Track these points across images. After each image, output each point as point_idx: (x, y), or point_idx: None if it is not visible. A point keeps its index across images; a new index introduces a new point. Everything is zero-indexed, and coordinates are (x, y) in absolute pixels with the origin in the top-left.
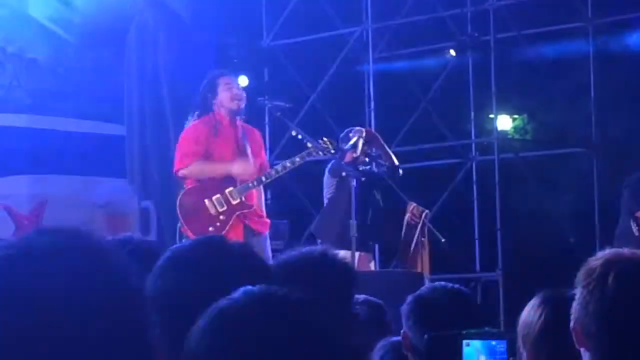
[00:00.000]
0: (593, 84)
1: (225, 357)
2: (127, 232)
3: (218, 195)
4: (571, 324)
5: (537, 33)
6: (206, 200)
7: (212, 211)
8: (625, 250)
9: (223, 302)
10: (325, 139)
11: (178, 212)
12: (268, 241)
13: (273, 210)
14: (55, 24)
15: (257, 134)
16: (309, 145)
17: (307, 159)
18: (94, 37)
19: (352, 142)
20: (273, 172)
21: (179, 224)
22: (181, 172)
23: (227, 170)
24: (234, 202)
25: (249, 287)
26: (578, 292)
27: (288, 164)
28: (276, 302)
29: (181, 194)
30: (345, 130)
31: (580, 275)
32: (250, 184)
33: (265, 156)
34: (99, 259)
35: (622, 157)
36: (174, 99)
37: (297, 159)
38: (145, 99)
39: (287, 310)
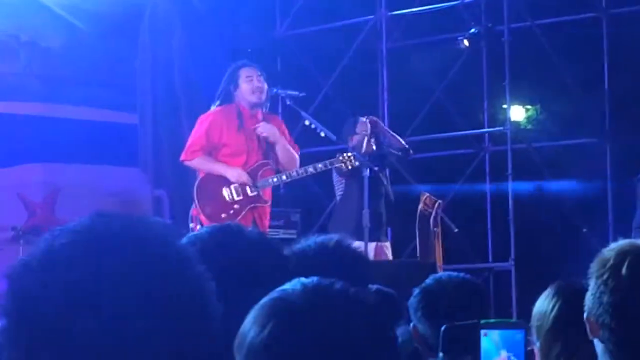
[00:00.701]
0: (607, 75)
1: (281, 348)
2: None
3: (236, 184)
4: (584, 314)
5: (551, 23)
6: (224, 188)
7: (228, 199)
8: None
9: (278, 292)
10: (345, 154)
11: (195, 194)
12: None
13: (286, 200)
14: (68, 12)
15: (278, 122)
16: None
17: (329, 167)
18: (108, 25)
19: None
20: (295, 174)
21: (192, 207)
22: (185, 163)
23: (223, 173)
24: (250, 194)
25: (302, 278)
26: (592, 283)
27: (310, 169)
28: (333, 294)
29: (200, 177)
30: (350, 119)
31: (594, 265)
32: (271, 180)
33: (290, 140)
34: (162, 245)
35: (636, 147)
36: (187, 88)
37: (320, 166)
38: (158, 87)
39: (343, 302)
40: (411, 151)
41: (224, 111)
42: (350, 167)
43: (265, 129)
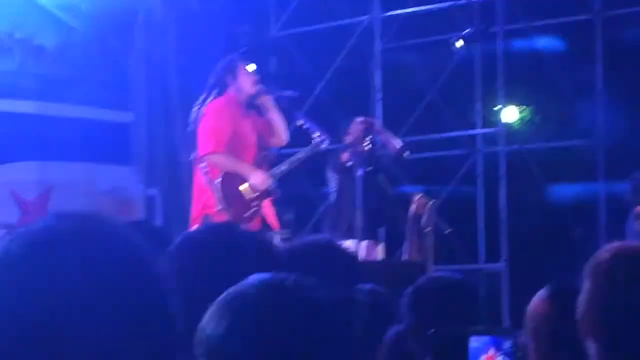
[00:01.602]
0: (600, 76)
1: (238, 342)
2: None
3: (251, 182)
4: (578, 315)
5: (545, 25)
6: (241, 187)
7: (247, 197)
8: (633, 244)
9: (235, 288)
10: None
11: (220, 196)
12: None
13: (279, 200)
14: (63, 11)
15: (257, 117)
16: (315, 137)
17: (312, 152)
18: (102, 24)
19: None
20: (295, 159)
21: (207, 209)
22: (208, 157)
23: (245, 175)
24: (262, 189)
25: (261, 274)
26: (586, 284)
27: (301, 156)
28: (287, 289)
29: (220, 180)
30: (351, 120)
31: (589, 267)
32: (278, 171)
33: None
34: (121, 243)
35: (628, 150)
36: (181, 87)
37: (302, 154)
38: (152, 86)
39: (298, 297)
40: (407, 152)
41: (227, 102)
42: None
43: (256, 181)
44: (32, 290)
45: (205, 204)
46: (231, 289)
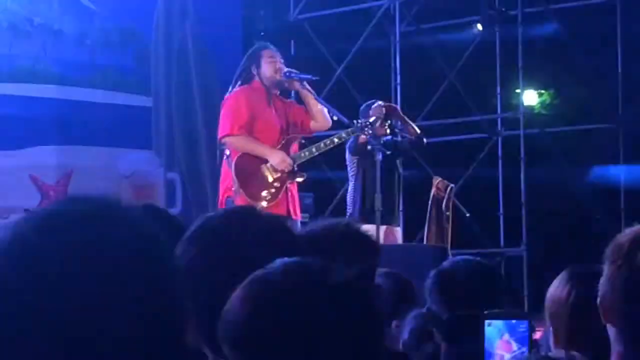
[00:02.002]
0: (620, 60)
1: (263, 327)
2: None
3: (270, 163)
4: (598, 300)
5: (565, 8)
6: (262, 166)
7: (269, 177)
8: None
9: (259, 273)
10: (363, 121)
11: (234, 175)
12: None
13: (299, 184)
14: None
15: (294, 103)
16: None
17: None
18: (121, 8)
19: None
20: (322, 145)
21: (228, 191)
22: (226, 139)
23: (265, 156)
24: (287, 171)
25: (286, 258)
26: (605, 268)
27: (335, 139)
28: (312, 273)
29: (235, 159)
30: (365, 104)
31: (608, 251)
32: (302, 154)
33: (305, 116)
34: (130, 227)
35: None
36: (201, 71)
37: (344, 135)
38: (172, 70)
39: (323, 281)
40: (425, 140)
41: (251, 88)
42: (367, 135)
43: (276, 160)
44: (42, 271)
45: (227, 187)
46: (256, 274)
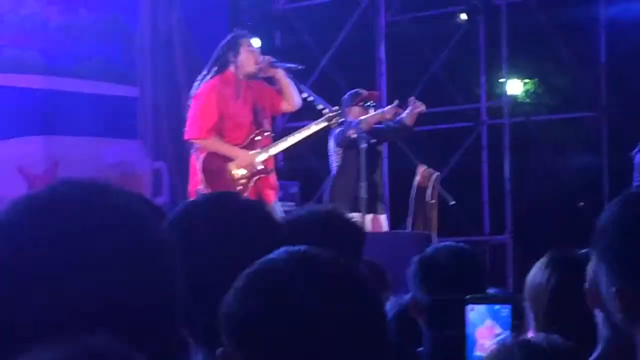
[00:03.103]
0: (603, 49)
1: (271, 319)
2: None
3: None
4: (586, 284)
5: None
6: (229, 164)
7: (235, 175)
8: None
9: (264, 262)
10: (330, 111)
11: (200, 174)
12: (279, 205)
13: (284, 172)
14: None
15: (263, 86)
16: (324, 111)
17: (319, 126)
18: None
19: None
20: (290, 140)
21: (199, 187)
22: (196, 141)
23: (233, 157)
24: (247, 169)
25: (289, 247)
26: (592, 254)
27: (304, 132)
28: (316, 261)
29: (203, 157)
30: (348, 94)
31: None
32: (270, 150)
33: (277, 98)
34: (121, 207)
35: (631, 120)
36: (186, 61)
37: (313, 126)
38: (158, 60)
39: (326, 269)
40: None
41: (222, 81)
42: (336, 123)
43: (243, 163)
44: (32, 253)
45: (196, 182)
46: (259, 262)
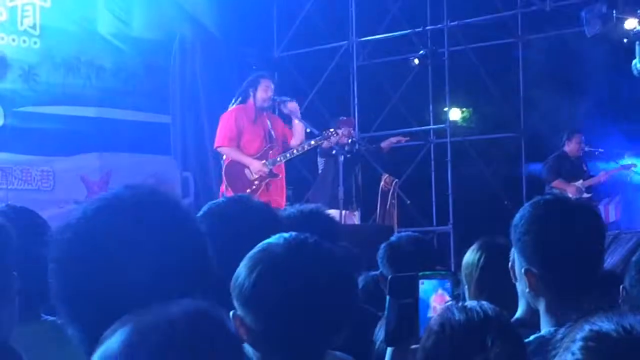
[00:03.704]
0: (521, 85)
1: (266, 288)
2: None
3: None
4: (509, 263)
5: (480, 46)
6: (246, 169)
7: (250, 177)
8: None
9: (263, 244)
10: (328, 130)
11: (224, 178)
12: None
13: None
14: (116, 38)
15: (279, 121)
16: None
17: (319, 142)
18: (147, 48)
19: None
20: (295, 151)
21: (223, 187)
22: (220, 149)
23: (247, 164)
24: (259, 174)
25: (285, 233)
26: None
27: (306, 146)
28: (308, 245)
29: (225, 164)
30: (334, 119)
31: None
32: (278, 159)
33: (289, 133)
34: (175, 208)
35: (542, 140)
36: (206, 96)
37: (312, 142)
38: (185, 95)
39: (317, 251)
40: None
41: (243, 108)
42: (333, 141)
43: (255, 168)
44: (104, 245)
45: (222, 186)
46: (261, 245)
